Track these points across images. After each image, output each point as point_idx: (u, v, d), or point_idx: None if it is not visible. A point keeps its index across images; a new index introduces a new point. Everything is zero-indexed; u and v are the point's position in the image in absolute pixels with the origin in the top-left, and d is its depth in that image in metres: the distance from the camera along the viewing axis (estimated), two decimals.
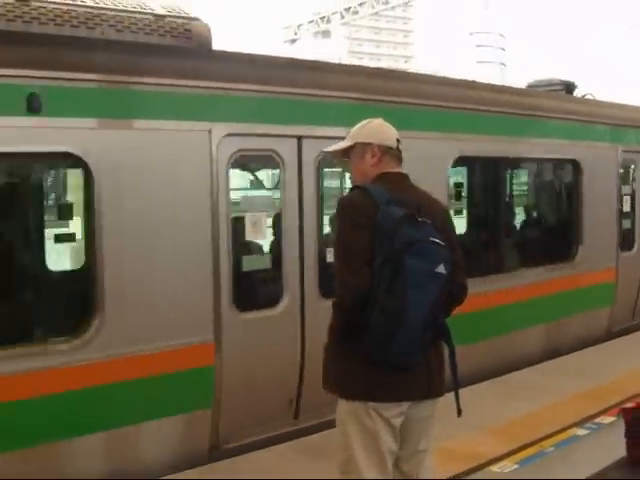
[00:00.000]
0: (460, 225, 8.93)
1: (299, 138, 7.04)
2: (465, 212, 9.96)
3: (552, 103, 10.33)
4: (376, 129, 4.29)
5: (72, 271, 7.28)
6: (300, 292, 7.08)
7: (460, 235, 6.77)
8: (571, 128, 10.28)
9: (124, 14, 6.42)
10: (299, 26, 46.15)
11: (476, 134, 8.76)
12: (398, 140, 4.27)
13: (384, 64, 77.17)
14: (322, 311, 5.28)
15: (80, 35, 6.01)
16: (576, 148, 10.34)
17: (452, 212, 8.06)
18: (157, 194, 6.13)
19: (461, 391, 4.32)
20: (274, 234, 7.41)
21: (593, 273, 10.49)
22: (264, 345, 6.79)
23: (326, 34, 77.11)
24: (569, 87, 11.68)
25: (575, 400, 7.77)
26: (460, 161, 8.74)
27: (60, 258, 7.44)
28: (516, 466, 6.12)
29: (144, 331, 6.07)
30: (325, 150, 4.54)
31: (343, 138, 4.40)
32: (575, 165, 10.43)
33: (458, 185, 9.51)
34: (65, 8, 6.08)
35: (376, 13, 40.35)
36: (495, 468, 6.09)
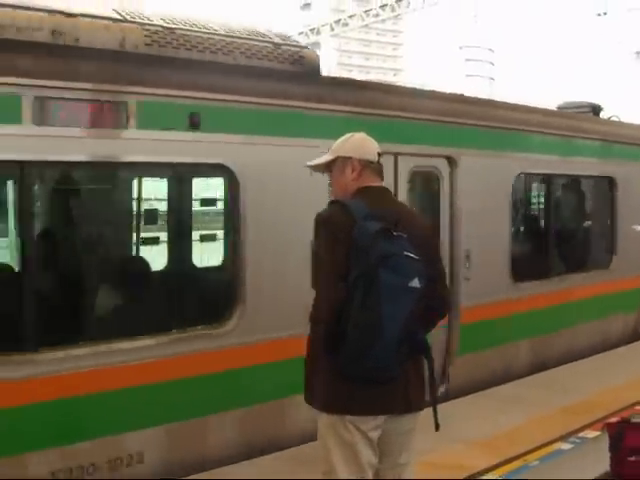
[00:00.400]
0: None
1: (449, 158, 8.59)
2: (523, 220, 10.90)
3: (591, 125, 11.25)
4: (357, 143, 4.29)
5: (217, 267, 8.18)
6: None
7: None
8: (606, 148, 11.13)
9: (250, 42, 7.22)
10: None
11: (535, 154, 9.88)
12: (379, 154, 4.28)
13: (373, 77, 77.31)
14: None
15: (218, 60, 6.84)
16: (611, 166, 11.17)
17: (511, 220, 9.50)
18: (292, 202, 6.97)
19: (447, 404, 4.37)
20: None
21: (626, 279, 11.42)
22: None
23: (316, 46, 77.42)
24: (595, 109, 12.37)
25: (560, 414, 7.77)
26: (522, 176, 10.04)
27: (208, 255, 8.39)
28: (500, 479, 6.12)
29: (280, 320, 6.82)
30: (308, 164, 4.53)
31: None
32: (611, 181, 11.26)
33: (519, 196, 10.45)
34: (205, 36, 6.91)
35: (366, 25, 40.47)
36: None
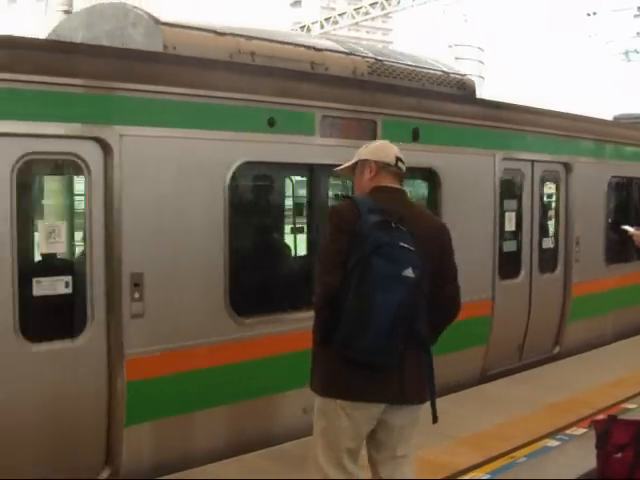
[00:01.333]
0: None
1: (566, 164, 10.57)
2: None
3: None
4: (376, 148, 4.63)
5: None
6: (529, 269, 10.05)
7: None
8: None
9: (430, 71, 9.10)
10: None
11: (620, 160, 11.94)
12: (398, 159, 4.55)
13: None
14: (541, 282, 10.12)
15: (412, 86, 8.67)
16: None
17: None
18: (470, 197, 9.01)
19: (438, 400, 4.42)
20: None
21: None
22: (513, 302, 9.69)
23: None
24: None
25: (547, 412, 7.82)
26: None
27: None
28: (488, 476, 6.15)
29: None
30: (335, 170, 4.86)
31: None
32: None
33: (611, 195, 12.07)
34: (403, 66, 8.73)
35: (356, 24, 40.44)
36: (467, 478, 6.13)
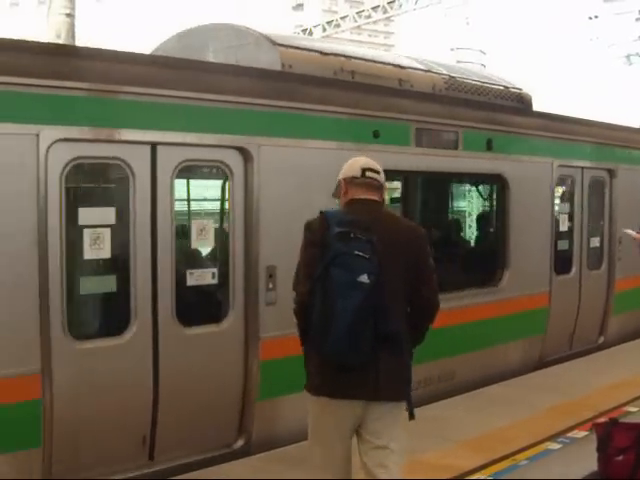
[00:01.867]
0: None
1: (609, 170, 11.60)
2: None
3: None
4: (345, 167, 4.82)
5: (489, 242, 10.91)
6: (579, 266, 11.14)
7: None
8: None
9: (494, 86, 10.18)
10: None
11: None
12: (365, 169, 4.70)
13: None
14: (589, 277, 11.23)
15: (481, 100, 9.74)
16: None
17: None
18: (533, 200, 10.08)
19: (436, 404, 4.57)
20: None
21: None
22: (566, 295, 10.70)
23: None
24: None
25: (549, 415, 7.85)
26: None
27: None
28: (490, 478, 6.19)
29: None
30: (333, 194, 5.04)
31: None
32: None
33: None
34: (473, 82, 9.87)
35: (358, 27, 40.47)
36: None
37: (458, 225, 11.54)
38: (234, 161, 6.81)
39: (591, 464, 6.24)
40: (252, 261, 6.83)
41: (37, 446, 5.66)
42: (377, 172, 4.74)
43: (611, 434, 6.15)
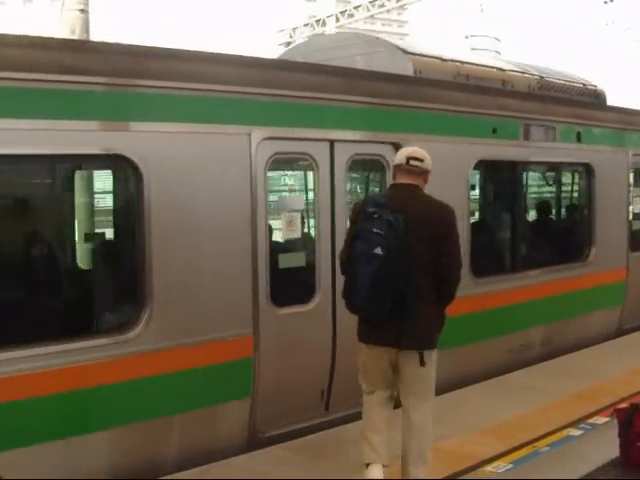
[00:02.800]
0: None
1: None
2: None
3: None
4: (397, 155, 5.81)
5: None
6: None
7: None
8: None
9: (574, 84, 11.35)
10: (294, 29, 45.96)
11: None
12: (409, 158, 5.58)
13: None
14: None
15: (571, 98, 11.01)
16: None
17: None
18: (614, 185, 11.20)
19: (455, 392, 7.02)
20: None
21: None
22: None
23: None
24: None
25: (569, 401, 7.83)
26: None
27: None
28: (510, 466, 6.17)
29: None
30: None
31: None
32: None
33: None
34: (558, 82, 11.01)
35: (371, 16, 40.38)
36: (490, 468, 6.14)
37: (557, 207, 12.38)
38: (390, 155, 7.47)
39: (613, 450, 6.27)
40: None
41: (248, 396, 6.75)
42: (421, 160, 5.58)
43: (632, 419, 6.14)
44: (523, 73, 10.60)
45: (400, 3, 34.84)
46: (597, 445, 6.60)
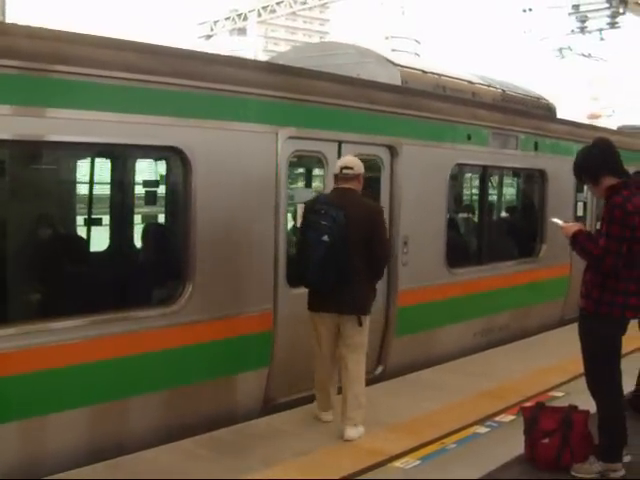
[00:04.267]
0: None
1: None
2: None
3: None
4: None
5: None
6: None
7: None
8: None
9: (530, 98, 12.88)
10: (215, 22, 45.63)
11: None
12: (342, 168, 6.94)
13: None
14: None
15: (527, 110, 12.33)
16: None
17: None
18: (564, 188, 12.32)
19: (369, 388, 7.19)
20: None
21: None
22: None
23: (242, 32, 76.00)
24: None
25: (478, 399, 7.95)
26: None
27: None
28: (418, 462, 6.23)
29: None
30: None
31: None
32: None
33: None
34: (517, 95, 12.48)
35: (293, 13, 40.42)
36: (398, 464, 6.19)
37: (514, 208, 13.83)
38: (385, 156, 8.89)
39: (518, 447, 6.37)
40: (393, 232, 8.78)
41: (267, 365, 7.56)
42: (351, 168, 6.92)
43: (537, 417, 6.26)
44: (488, 86, 11.74)
45: (322, 1, 34.96)
46: (503, 442, 6.70)
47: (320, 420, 7.09)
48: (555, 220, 6.35)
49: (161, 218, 8.70)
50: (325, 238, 6.52)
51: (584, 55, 30.40)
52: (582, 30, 28.31)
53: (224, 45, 51.43)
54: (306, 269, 6.67)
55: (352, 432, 6.69)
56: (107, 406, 6.33)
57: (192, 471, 5.98)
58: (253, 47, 47.31)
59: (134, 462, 6.11)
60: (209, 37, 45.87)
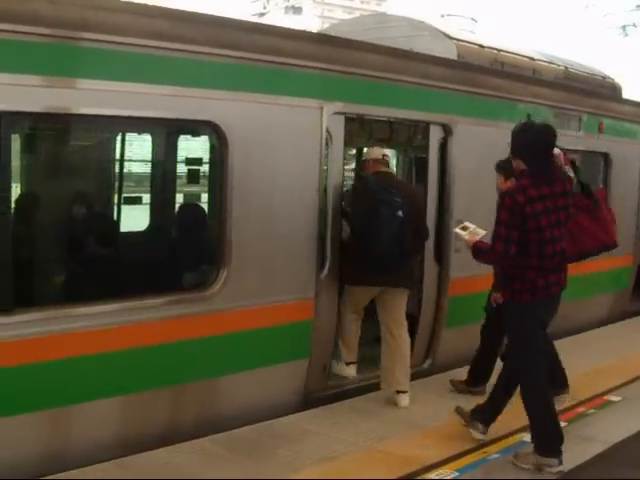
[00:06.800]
0: None
1: None
2: None
3: None
4: (370, 152, 7.76)
5: None
6: None
7: None
8: None
9: (595, 77, 12.06)
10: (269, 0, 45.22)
11: None
12: (383, 155, 7.52)
13: None
14: None
15: (591, 89, 11.56)
16: None
17: None
18: (630, 173, 11.92)
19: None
20: None
21: None
22: None
23: (297, 10, 75.70)
24: None
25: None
26: None
27: None
28: (456, 474, 5.63)
29: None
30: None
31: None
32: None
33: None
34: (582, 73, 11.67)
35: None
36: (433, 475, 5.59)
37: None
38: (439, 135, 8.44)
39: (569, 457, 5.75)
40: (446, 217, 8.40)
41: (307, 357, 7.22)
42: (387, 155, 7.62)
43: None
44: (551, 63, 11.23)
45: None
46: None
47: (342, 372, 7.45)
48: (458, 231, 6.31)
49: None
50: (400, 213, 6.84)
51: None
52: None
53: (278, 23, 50.98)
54: (376, 244, 6.82)
55: (407, 399, 7.06)
56: (136, 397, 6.08)
57: (208, 474, 5.51)
58: (308, 27, 46.93)
59: (146, 461, 5.69)
60: (262, 15, 45.48)
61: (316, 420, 6.68)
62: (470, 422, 6.24)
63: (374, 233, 6.83)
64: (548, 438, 5.78)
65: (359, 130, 9.03)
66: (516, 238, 5.62)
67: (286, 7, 46.22)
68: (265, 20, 44.94)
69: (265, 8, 43.89)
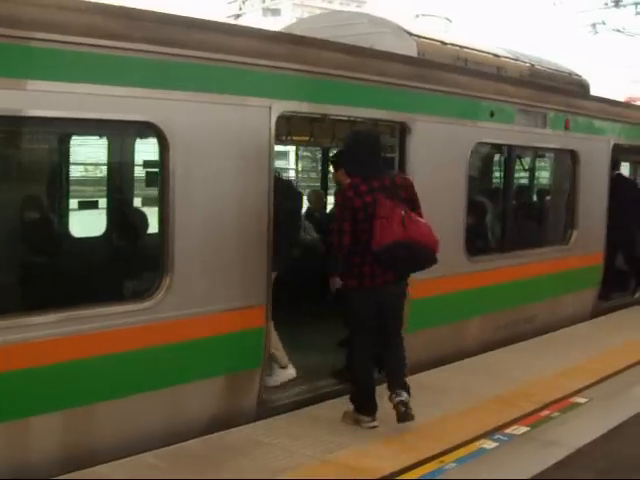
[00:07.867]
0: None
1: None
2: None
3: None
4: None
5: None
6: None
7: None
8: None
9: (562, 74, 12.00)
10: (244, 1, 44.92)
11: None
12: None
13: None
14: None
15: (557, 86, 11.41)
16: None
17: None
18: (595, 169, 11.69)
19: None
20: None
21: None
22: None
23: (276, 12, 75.27)
24: None
25: (485, 406, 7.03)
26: None
27: None
28: None
29: None
30: None
31: None
32: None
33: None
34: (548, 70, 11.56)
35: None
36: None
37: (541, 192, 13.23)
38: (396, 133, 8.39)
39: (532, 466, 5.48)
40: None
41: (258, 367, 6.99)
42: None
43: None
44: (516, 60, 11.12)
45: None
46: (514, 460, 5.81)
47: (286, 378, 7.59)
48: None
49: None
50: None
51: (618, 30, 29.11)
52: (617, 4, 27.18)
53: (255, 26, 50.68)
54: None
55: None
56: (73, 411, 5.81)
57: None
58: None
59: (85, 479, 5.35)
60: (238, 17, 45.09)
61: (270, 431, 6.35)
62: (357, 417, 6.56)
63: None
64: (363, 400, 6.52)
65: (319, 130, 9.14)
66: (347, 229, 6.37)
67: (264, 9, 45.80)
68: (241, 21, 44.46)
69: (241, 9, 43.43)
